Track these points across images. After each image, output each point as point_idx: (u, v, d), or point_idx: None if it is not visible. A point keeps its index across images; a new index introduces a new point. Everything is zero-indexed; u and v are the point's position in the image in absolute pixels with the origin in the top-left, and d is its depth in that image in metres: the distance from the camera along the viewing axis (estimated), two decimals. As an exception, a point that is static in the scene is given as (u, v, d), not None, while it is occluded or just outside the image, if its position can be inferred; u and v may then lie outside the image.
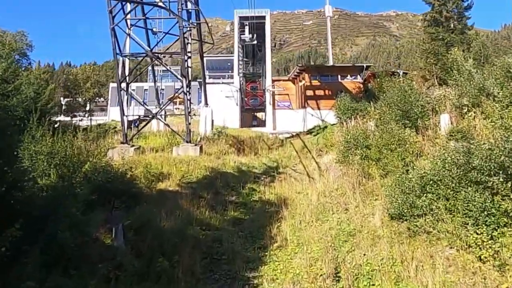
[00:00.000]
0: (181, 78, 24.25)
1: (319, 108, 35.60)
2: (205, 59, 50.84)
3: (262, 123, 52.87)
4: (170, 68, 30.80)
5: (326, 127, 33.14)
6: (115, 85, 56.09)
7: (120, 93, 24.05)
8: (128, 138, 25.74)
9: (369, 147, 19.59)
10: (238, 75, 46.59)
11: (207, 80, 47.55)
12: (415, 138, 18.56)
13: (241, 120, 48.24)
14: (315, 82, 36.15)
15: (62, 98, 53.54)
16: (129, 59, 25.43)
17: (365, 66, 35.90)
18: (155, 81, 32.56)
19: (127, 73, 25.64)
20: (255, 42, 48.95)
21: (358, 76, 36.36)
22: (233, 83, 46.62)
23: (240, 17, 47.82)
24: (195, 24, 27.89)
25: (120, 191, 13.70)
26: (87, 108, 49.45)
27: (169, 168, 20.65)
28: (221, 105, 45.73)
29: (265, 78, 50.75)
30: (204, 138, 30.68)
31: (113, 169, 16.12)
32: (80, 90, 37.92)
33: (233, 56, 47.09)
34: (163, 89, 55.40)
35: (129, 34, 24.98)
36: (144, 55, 24.90)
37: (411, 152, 17.52)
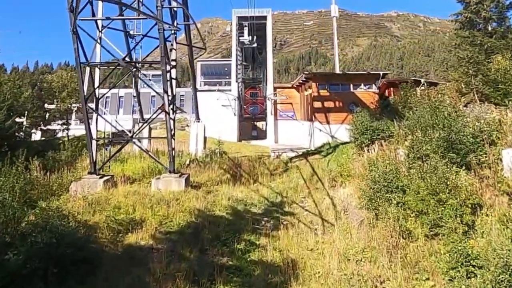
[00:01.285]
0: (162, 93, 19.26)
1: (328, 122, 30.83)
2: (199, 63, 45.99)
3: (262, 134, 47.91)
4: (150, 80, 25.71)
5: (337, 146, 28.22)
6: (103, 91, 51.23)
7: (86, 109, 19.09)
8: (102, 162, 20.86)
9: (405, 190, 14.77)
10: (236, 81, 41.68)
11: (202, 87, 42.62)
12: (471, 182, 13.74)
13: (239, 131, 43.30)
14: (324, 92, 31.36)
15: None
16: (99, 68, 20.47)
17: (381, 74, 31.06)
18: (138, 94, 27.71)
19: (97, 83, 20.61)
20: (255, 44, 44.04)
21: (373, 85, 31.54)
22: (230, 90, 41.70)
23: (238, 17, 42.90)
24: (183, 26, 22.92)
25: (70, 255, 10.36)
26: (72, 117, 44.50)
27: (144, 212, 15.96)
28: (217, 115, 40.89)
29: (266, 84, 45.83)
30: (194, 161, 25.92)
31: (68, 218, 12.19)
32: (56, 99, 32.94)
33: (230, 60, 42.22)
34: (153, 96, 50.43)
35: (97, 40, 20.01)
36: (116, 64, 19.92)
37: (469, 205, 12.70)
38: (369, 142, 22.74)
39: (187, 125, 42.26)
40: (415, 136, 18.60)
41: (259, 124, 51.95)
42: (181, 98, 49.83)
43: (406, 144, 19.20)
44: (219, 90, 42.10)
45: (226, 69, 44.58)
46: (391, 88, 36.31)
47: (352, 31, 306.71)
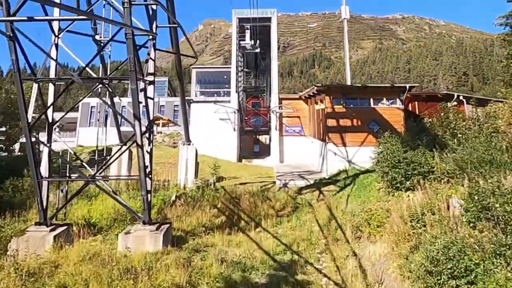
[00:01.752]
0: (133, 121, 14.21)
1: (344, 144, 25.75)
2: (194, 71, 40.90)
3: (265, 150, 42.81)
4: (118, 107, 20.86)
5: (356, 175, 23.09)
6: (87, 100, 46.30)
7: (30, 139, 13.99)
8: (62, 203, 15.83)
9: (476, 274, 9.81)
10: (237, 91, 36.60)
11: (197, 98, 37.52)
12: None
13: (240, 147, 38.19)
14: (339, 108, 26.29)
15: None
16: (54, 84, 15.41)
17: (407, 88, 25.85)
18: (114, 111, 22.69)
19: (50, 101, 15.53)
20: (258, 49, 38.95)
21: (398, 100, 26.41)
22: (229, 102, 36.60)
23: (239, 18, 37.84)
24: (168, 29, 17.88)
25: None
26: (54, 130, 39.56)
27: (97, 295, 10.90)
28: (214, 129, 35.80)
29: (270, 94, 40.78)
30: (181, 196, 20.87)
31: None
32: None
33: (230, 67, 37.17)
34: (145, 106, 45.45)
35: (48, 48, 14.95)
36: (69, 81, 14.80)
37: None
38: (403, 178, 17.61)
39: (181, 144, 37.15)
40: (474, 180, 13.56)
41: (262, 138, 46.87)
42: (175, 109, 44.80)
43: (462, 190, 14.12)
44: (216, 102, 37.02)
45: (225, 77, 39.60)
46: (415, 102, 31.18)
47: (356, 33, 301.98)
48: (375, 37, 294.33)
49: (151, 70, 15.88)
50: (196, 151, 24.02)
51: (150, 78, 15.64)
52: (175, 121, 42.26)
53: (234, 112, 35.75)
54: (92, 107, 43.90)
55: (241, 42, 38.33)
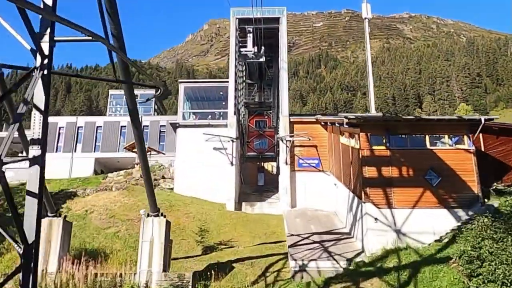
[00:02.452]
0: None
1: (389, 205, 17.10)
2: (182, 86, 31.99)
3: (272, 182, 34.09)
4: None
5: (418, 264, 14.42)
6: (53, 120, 37.81)
7: None
8: None
9: None
10: (235, 113, 27.82)
11: (185, 121, 28.91)
12: None
13: (239, 186, 29.58)
14: (381, 150, 17.68)
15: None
16: None
17: (482, 121, 17.12)
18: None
19: None
20: (262, 58, 30.24)
21: (465, 137, 17.73)
22: (226, 126, 27.87)
23: (239, 19, 29.13)
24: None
25: None
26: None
27: None
28: (206, 163, 27.21)
29: (278, 111, 32.18)
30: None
31: None
32: None
33: (227, 81, 28.36)
34: (124, 127, 36.66)
35: None
36: None
37: None
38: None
39: (163, 177, 28.53)
40: None
41: (268, 165, 38.18)
42: (162, 131, 36.20)
43: None
44: (210, 125, 28.35)
45: (221, 92, 30.91)
46: (479, 135, 22.19)
47: (363, 32, 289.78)
48: (382, 36, 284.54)
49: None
50: (168, 225, 15.33)
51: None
52: (158, 150, 33.58)
53: (232, 141, 27.03)
54: (60, 128, 35.44)
55: (241, 50, 29.61)
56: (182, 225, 21.59)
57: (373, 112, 39.46)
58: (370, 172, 18.10)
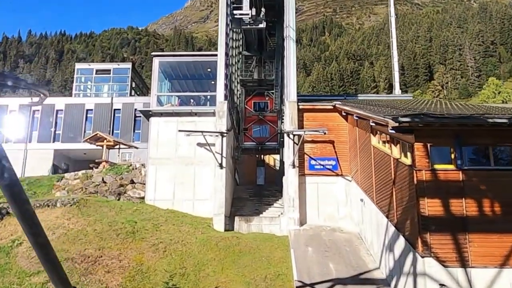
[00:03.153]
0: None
1: (463, 262, 10.70)
2: (157, 60, 23.97)
3: (275, 180, 27.26)
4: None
5: None
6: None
7: None
8: None
9: None
10: (226, 97, 20.45)
11: (159, 108, 21.82)
12: None
13: (231, 190, 22.73)
14: (447, 170, 11.07)
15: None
16: None
17: None
18: None
19: None
20: (263, 24, 22.74)
21: None
22: (213, 113, 20.72)
23: (231, -30, 21.46)
24: None
25: None
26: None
27: None
28: (187, 163, 20.31)
29: (283, 91, 25.08)
30: None
31: None
32: None
33: (216, 54, 20.82)
34: (90, 110, 29.42)
35: None
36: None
37: None
38: None
39: (132, 181, 21.69)
40: None
41: (270, 158, 31.19)
42: (137, 116, 28.85)
43: None
44: (193, 113, 21.20)
45: (209, 69, 23.44)
46: None
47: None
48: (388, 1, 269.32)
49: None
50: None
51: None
52: (129, 143, 26.26)
53: (222, 135, 19.95)
54: (11, 111, 28.30)
55: (235, 12, 22.05)
56: (146, 266, 14.94)
57: (397, 92, 32.23)
58: (432, 207, 11.16)
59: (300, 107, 20.83)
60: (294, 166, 19.95)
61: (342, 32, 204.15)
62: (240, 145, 28.81)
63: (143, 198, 20.76)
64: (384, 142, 14.56)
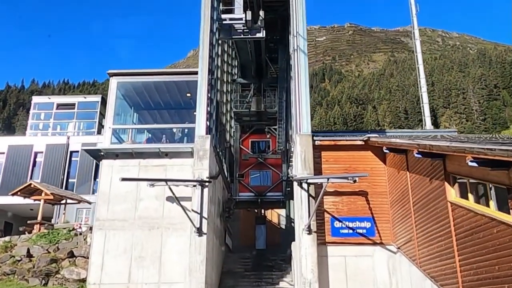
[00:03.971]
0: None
1: None
2: (115, 81, 17.04)
3: (278, 243, 20.10)
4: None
5: None
6: None
7: None
8: None
9: None
10: (209, 130, 13.92)
11: (115, 147, 14.97)
12: None
13: (217, 267, 15.57)
14: None
15: None
16: None
17: None
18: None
19: None
20: (262, 34, 16.60)
21: None
22: (191, 153, 13.96)
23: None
24: None
25: None
26: None
27: None
28: (153, 221, 13.28)
29: (288, 125, 18.60)
30: None
31: None
32: None
33: (197, 73, 14.57)
34: (41, 153, 22.72)
35: None
36: None
37: None
38: None
39: (71, 254, 14.51)
40: None
41: (273, 214, 24.15)
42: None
43: None
44: (163, 155, 14.55)
45: (188, 94, 16.82)
46: None
47: (367, 46, 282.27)
48: (386, 49, 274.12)
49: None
50: None
51: None
52: (78, 197, 19.02)
53: (201, 185, 13.13)
54: None
55: (224, 17, 15.99)
56: None
57: (428, 127, 25.72)
58: None
59: (317, 143, 14.14)
60: (310, 231, 12.94)
61: (342, 79, 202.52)
62: (233, 196, 21.90)
63: (83, 280, 13.58)
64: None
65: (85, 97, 27.65)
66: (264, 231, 22.63)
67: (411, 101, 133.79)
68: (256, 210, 23.94)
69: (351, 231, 13.62)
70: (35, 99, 30.02)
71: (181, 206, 12.67)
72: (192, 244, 12.99)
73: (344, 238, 13.60)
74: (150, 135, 17.29)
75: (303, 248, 12.92)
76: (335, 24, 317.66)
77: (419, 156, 9.72)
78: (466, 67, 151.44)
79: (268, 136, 24.99)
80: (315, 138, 14.28)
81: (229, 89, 22.57)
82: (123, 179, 11.72)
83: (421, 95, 29.26)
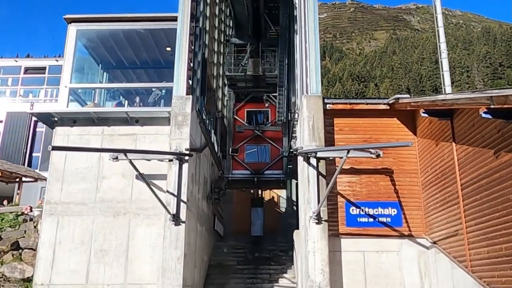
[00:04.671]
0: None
1: None
2: (74, 28, 11.89)
3: (277, 228, 17.11)
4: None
5: None
6: None
7: None
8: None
9: None
10: (191, 90, 10.70)
11: (71, 110, 11.59)
12: None
13: (198, 263, 12.55)
14: None
15: None
16: None
17: None
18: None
19: None
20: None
21: None
22: (168, 119, 10.83)
23: None
24: None
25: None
26: None
27: None
28: (119, 205, 10.08)
29: (291, 91, 15.33)
30: None
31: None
32: None
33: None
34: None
35: None
36: None
37: None
38: None
39: (17, 246, 11.42)
40: None
41: (271, 195, 21.04)
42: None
43: None
44: (132, 120, 11.38)
45: (168, 48, 13.54)
46: None
47: (368, 24, 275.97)
48: (388, 27, 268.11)
49: None
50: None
51: None
52: (35, 175, 15.56)
53: (181, 160, 10.01)
54: None
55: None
56: None
57: (448, 89, 22.44)
58: None
59: (329, 107, 10.92)
60: (320, 220, 9.86)
61: (342, 57, 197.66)
62: (225, 175, 18.79)
63: (29, 280, 10.58)
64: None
65: (57, 60, 24.09)
66: (261, 215, 19.56)
67: (414, 79, 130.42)
68: (252, 191, 20.75)
69: (371, 219, 10.55)
70: (1, 62, 26.24)
71: (148, 185, 9.53)
72: (166, 236, 9.94)
73: (363, 228, 10.54)
74: (124, 99, 13.97)
75: (310, 242, 9.86)
76: (336, 1, 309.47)
77: (488, 116, 6.48)
78: (471, 44, 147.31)
79: (266, 105, 21.58)
80: (326, 101, 11.04)
81: (222, 51, 19.18)
82: (54, 148, 8.55)
83: (441, 61, 25.83)
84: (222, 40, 18.92)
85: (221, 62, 19.21)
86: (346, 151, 8.65)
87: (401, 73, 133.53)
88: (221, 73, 19.22)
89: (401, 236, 10.46)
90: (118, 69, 15.14)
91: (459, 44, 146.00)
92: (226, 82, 20.72)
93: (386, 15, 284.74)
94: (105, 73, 14.68)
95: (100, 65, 14.34)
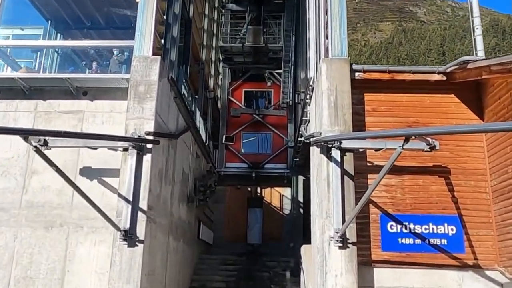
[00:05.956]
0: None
1: None
2: None
3: (279, 236, 13.84)
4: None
5: None
6: None
7: None
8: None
9: None
10: (166, 53, 7.41)
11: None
12: None
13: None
14: None
15: None
16: None
17: None
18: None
19: None
20: None
21: None
22: (127, 89, 7.52)
23: None
24: None
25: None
26: None
27: None
28: (50, 212, 6.51)
29: (298, 66, 11.89)
30: None
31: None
32: None
33: None
34: None
35: None
36: None
37: None
38: None
39: None
40: None
41: (273, 193, 17.64)
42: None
43: None
44: (77, 90, 8.04)
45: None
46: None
47: (374, 15, 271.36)
48: (394, 18, 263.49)
49: None
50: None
51: None
52: None
53: (139, 149, 6.64)
54: None
55: None
56: None
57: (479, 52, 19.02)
58: None
59: (358, 76, 7.48)
60: (345, 243, 6.48)
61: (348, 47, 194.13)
62: (216, 169, 15.41)
63: None
64: None
65: (22, 29, 20.59)
66: (259, 218, 16.13)
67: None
68: (249, 189, 17.23)
69: (418, 241, 7.18)
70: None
71: (77, 188, 6.14)
72: (115, 262, 6.58)
73: (406, 254, 7.17)
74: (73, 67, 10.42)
75: (331, 275, 6.49)
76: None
77: None
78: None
79: (268, 84, 17.90)
80: (354, 67, 7.58)
81: (216, 18, 15.73)
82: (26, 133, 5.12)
83: (474, 39, 22.37)
84: (215, 4, 15.45)
85: (215, 32, 15.76)
86: (403, 139, 5.18)
87: (407, 64, 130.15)
88: (214, 45, 15.78)
89: (463, 266, 7.09)
90: (76, 29, 11.65)
91: (467, 35, 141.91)
92: (220, 57, 17.26)
93: (392, 6, 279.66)
94: (58, 35, 11.22)
95: (49, 22, 10.87)
